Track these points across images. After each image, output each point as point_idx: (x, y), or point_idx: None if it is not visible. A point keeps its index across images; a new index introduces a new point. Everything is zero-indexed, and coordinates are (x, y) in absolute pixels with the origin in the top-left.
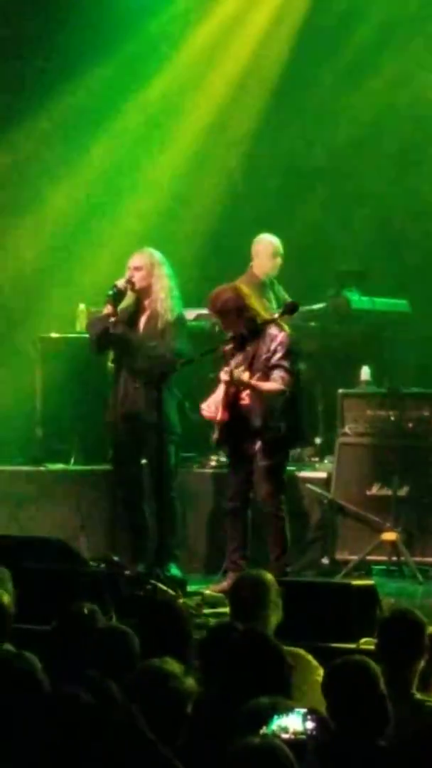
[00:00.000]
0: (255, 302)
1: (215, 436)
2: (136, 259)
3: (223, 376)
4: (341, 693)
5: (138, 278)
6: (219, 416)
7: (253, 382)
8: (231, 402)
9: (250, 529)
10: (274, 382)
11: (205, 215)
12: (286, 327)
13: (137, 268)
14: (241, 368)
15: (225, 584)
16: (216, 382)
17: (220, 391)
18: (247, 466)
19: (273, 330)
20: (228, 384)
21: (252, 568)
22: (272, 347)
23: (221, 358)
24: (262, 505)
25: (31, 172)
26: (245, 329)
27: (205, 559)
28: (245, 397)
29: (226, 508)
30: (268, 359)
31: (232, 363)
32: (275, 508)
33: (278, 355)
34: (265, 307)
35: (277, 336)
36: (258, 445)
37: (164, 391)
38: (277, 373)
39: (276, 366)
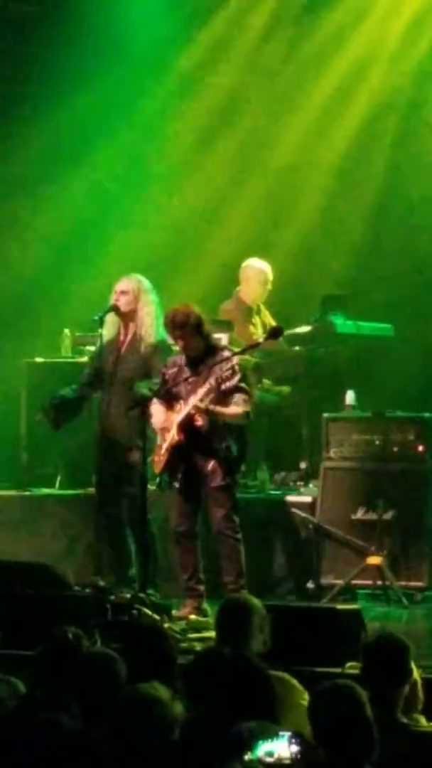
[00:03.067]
0: (208, 323)
1: (162, 459)
2: (122, 284)
3: (196, 403)
4: (327, 718)
5: (123, 302)
6: (175, 438)
7: (219, 409)
8: (185, 424)
9: (201, 551)
10: (237, 406)
11: (193, 239)
12: (235, 350)
13: (123, 292)
14: (202, 396)
15: (186, 610)
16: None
17: (161, 413)
18: (196, 488)
19: (225, 353)
20: (197, 411)
21: (239, 593)
22: (226, 370)
23: (163, 381)
24: (216, 528)
25: (16, 196)
26: (202, 348)
27: None
28: (199, 419)
29: (174, 532)
30: (222, 382)
31: (200, 392)
32: (231, 530)
33: (236, 377)
34: (249, 333)
35: (231, 359)
36: (210, 465)
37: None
38: (239, 396)
39: (236, 389)
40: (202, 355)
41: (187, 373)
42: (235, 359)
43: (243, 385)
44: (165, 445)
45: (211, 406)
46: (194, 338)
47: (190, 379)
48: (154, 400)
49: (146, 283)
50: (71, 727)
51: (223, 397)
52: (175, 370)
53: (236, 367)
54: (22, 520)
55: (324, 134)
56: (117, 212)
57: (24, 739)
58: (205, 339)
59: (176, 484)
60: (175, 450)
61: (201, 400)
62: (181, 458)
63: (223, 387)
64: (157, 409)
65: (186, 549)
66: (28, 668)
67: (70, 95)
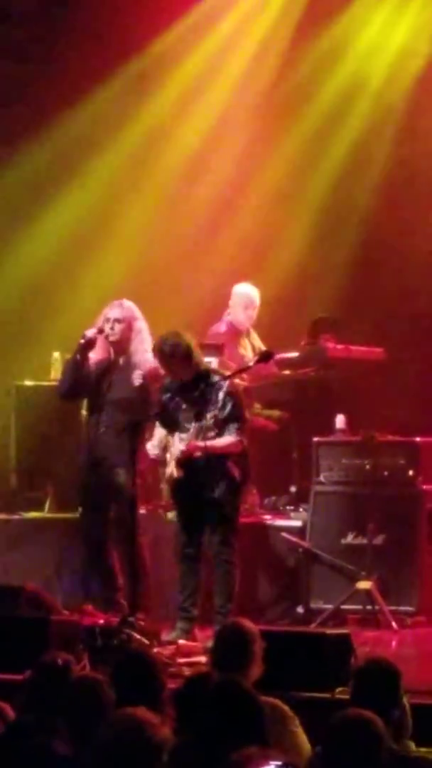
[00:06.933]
0: (198, 349)
1: (175, 472)
2: (115, 311)
3: (193, 443)
4: (345, 749)
5: (118, 330)
6: (175, 475)
7: (212, 444)
8: (183, 460)
9: (203, 576)
10: (230, 436)
11: (180, 264)
12: (226, 373)
13: (117, 320)
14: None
15: (175, 634)
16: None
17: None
18: (200, 510)
19: (215, 377)
20: (193, 447)
21: (235, 618)
22: (219, 398)
23: (162, 406)
24: (215, 552)
25: (4, 219)
26: (191, 376)
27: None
28: (197, 453)
29: (180, 554)
30: (217, 415)
31: (191, 432)
32: (227, 555)
33: (229, 406)
34: (239, 356)
35: (222, 385)
36: (213, 492)
37: (136, 440)
38: (233, 426)
39: (229, 419)
40: (192, 381)
41: (179, 399)
42: (226, 386)
43: (235, 411)
44: (166, 477)
45: (206, 443)
46: (183, 368)
47: (184, 406)
48: (157, 425)
49: (137, 310)
50: (63, 752)
51: (216, 423)
52: (168, 395)
53: (229, 396)
54: (12, 544)
55: (312, 157)
56: (108, 233)
57: (16, 765)
58: (195, 366)
59: (174, 514)
60: (176, 484)
61: (197, 437)
62: (182, 491)
63: (218, 418)
64: (158, 432)
65: (190, 570)
66: (17, 693)
67: (61, 114)
